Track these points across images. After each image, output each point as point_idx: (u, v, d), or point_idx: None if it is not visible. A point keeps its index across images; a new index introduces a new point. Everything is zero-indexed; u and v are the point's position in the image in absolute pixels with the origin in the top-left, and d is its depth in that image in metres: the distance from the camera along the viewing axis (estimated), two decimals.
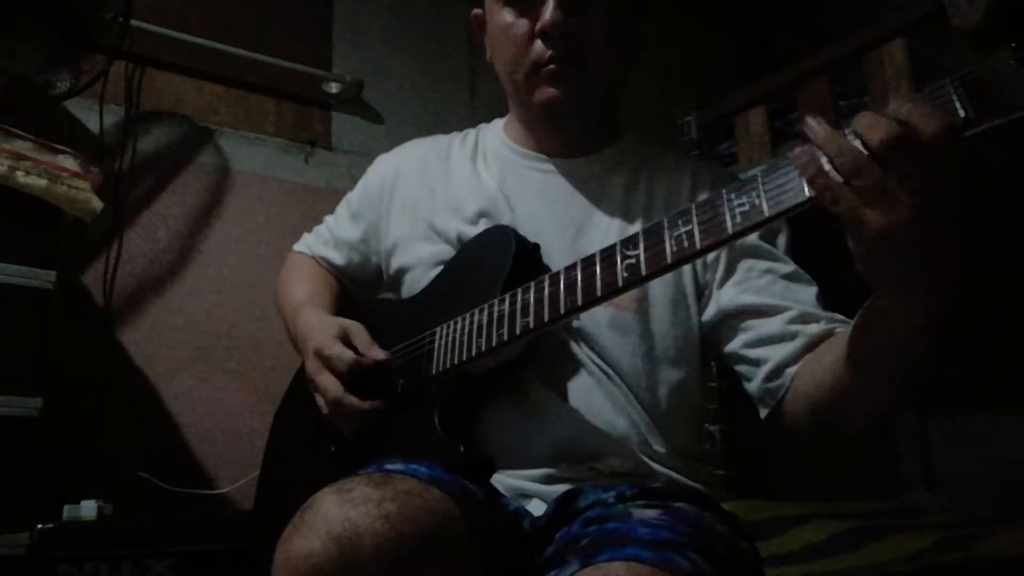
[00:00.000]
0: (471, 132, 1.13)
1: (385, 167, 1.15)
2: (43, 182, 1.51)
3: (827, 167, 0.58)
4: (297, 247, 1.25)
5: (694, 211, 0.67)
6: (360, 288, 1.20)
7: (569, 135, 1.02)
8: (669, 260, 0.68)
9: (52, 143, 1.54)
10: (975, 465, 2.46)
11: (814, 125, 0.59)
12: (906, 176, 0.56)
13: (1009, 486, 2.25)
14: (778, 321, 0.86)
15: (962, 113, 0.54)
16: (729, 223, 0.64)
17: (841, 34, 2.12)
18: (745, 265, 0.91)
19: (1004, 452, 2.38)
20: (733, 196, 0.64)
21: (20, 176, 1.48)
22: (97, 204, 1.59)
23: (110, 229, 1.93)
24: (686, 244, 0.67)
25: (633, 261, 0.71)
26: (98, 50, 1.70)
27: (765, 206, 0.62)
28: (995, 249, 2.38)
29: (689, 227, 0.67)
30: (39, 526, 1.40)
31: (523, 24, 0.95)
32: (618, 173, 1.01)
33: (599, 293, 0.74)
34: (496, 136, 1.10)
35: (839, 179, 0.58)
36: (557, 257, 0.93)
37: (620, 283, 0.72)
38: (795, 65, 2.17)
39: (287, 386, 1.20)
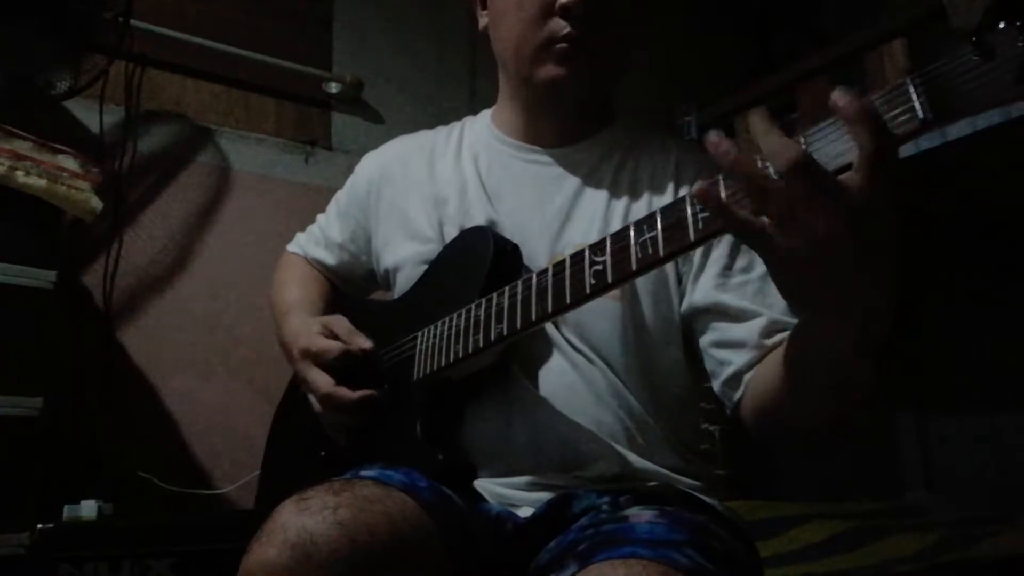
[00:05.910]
0: (456, 125, 1.12)
1: (371, 166, 1.14)
2: (43, 182, 1.51)
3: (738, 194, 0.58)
4: (290, 247, 1.25)
5: (658, 217, 0.67)
6: (352, 288, 1.19)
7: (563, 121, 1.01)
8: (634, 267, 0.69)
9: (52, 143, 1.54)
10: (975, 465, 2.46)
11: (720, 152, 0.57)
12: (812, 203, 0.54)
13: (1009, 486, 2.25)
14: (745, 328, 0.85)
15: (921, 115, 0.52)
16: (691, 231, 0.63)
17: (841, 34, 2.13)
18: (722, 260, 0.90)
19: (1004, 452, 2.38)
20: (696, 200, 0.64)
21: (20, 176, 1.48)
22: (97, 204, 1.59)
23: (110, 229, 1.93)
24: (650, 251, 0.67)
25: (600, 268, 0.72)
26: (98, 50, 1.70)
27: None
28: (994, 250, 2.38)
29: (653, 233, 0.67)
30: (39, 526, 1.40)
31: None
32: (608, 159, 1.00)
33: (568, 300, 0.75)
34: (484, 128, 1.08)
35: (744, 207, 0.57)
36: (541, 252, 0.93)
37: (588, 290, 0.73)
38: (795, 65, 2.17)
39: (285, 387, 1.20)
